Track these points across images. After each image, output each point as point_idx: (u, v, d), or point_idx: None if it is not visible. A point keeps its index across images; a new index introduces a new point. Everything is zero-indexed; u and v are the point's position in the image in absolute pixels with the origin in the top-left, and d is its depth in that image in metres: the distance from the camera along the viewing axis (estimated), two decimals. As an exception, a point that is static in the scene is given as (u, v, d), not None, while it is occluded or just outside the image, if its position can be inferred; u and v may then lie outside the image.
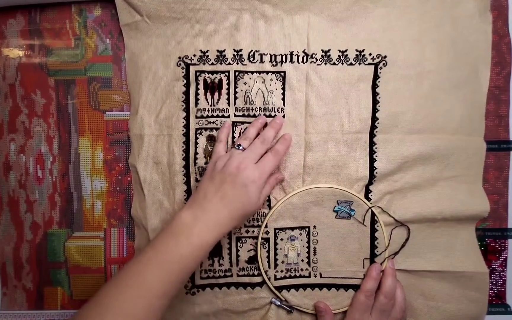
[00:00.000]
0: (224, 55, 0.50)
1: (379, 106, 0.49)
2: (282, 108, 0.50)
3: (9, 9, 0.52)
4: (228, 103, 0.50)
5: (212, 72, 0.50)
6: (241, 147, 0.47)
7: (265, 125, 0.50)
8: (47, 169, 0.53)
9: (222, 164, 0.45)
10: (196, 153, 0.50)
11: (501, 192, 0.51)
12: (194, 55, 0.50)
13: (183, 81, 0.50)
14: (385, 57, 0.49)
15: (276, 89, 0.50)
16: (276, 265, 0.51)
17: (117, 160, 0.53)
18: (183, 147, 0.50)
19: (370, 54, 0.49)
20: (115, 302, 0.38)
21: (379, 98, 0.49)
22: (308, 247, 0.51)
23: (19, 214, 0.54)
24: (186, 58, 0.50)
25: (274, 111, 0.50)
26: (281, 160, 0.49)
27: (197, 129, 0.50)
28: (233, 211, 0.44)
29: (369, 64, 0.49)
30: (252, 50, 0.49)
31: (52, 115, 0.53)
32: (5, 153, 0.53)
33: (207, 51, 0.50)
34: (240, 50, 0.50)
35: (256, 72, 0.50)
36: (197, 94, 0.50)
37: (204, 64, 0.50)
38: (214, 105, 0.50)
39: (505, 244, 0.52)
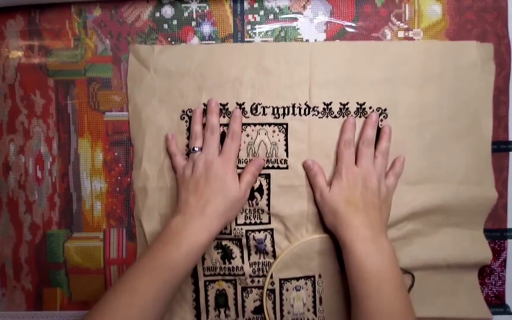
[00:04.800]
0: (227, 109, 0.50)
1: None
2: (285, 160, 0.50)
3: (8, 10, 0.52)
4: None
5: None
6: (197, 149, 0.48)
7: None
8: (46, 169, 0.53)
9: (190, 171, 0.47)
10: None
11: (500, 192, 0.51)
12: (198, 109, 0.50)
13: (186, 134, 0.50)
14: (385, 110, 0.49)
15: (279, 141, 0.50)
16: (282, 316, 0.51)
17: (116, 161, 0.53)
18: None
19: (370, 108, 0.49)
20: (111, 309, 0.40)
21: None
22: (314, 297, 0.50)
23: (18, 215, 0.53)
24: (189, 112, 0.50)
25: (277, 163, 0.50)
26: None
27: None
28: (217, 208, 0.45)
29: None
30: (254, 103, 0.49)
31: (51, 116, 0.53)
32: (5, 153, 0.53)
33: None
34: (243, 103, 0.50)
35: (259, 124, 0.50)
36: None
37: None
38: None
39: (504, 244, 0.52)
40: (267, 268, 0.51)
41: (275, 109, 0.49)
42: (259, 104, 0.50)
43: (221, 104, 0.50)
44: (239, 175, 0.48)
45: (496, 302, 0.53)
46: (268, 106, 0.49)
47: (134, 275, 0.42)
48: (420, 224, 0.50)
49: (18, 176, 0.53)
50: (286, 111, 0.49)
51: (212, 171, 0.46)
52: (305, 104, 0.49)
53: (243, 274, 0.51)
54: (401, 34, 0.51)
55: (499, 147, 0.51)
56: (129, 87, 0.51)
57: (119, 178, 0.53)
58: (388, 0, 0.51)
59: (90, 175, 0.53)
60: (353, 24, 0.51)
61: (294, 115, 0.49)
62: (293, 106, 0.49)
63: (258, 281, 0.51)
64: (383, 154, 0.48)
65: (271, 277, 0.50)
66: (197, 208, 0.45)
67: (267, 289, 0.50)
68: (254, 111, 0.50)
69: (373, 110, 0.49)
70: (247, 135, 0.50)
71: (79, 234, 0.53)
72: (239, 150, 0.49)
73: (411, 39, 0.51)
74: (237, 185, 0.46)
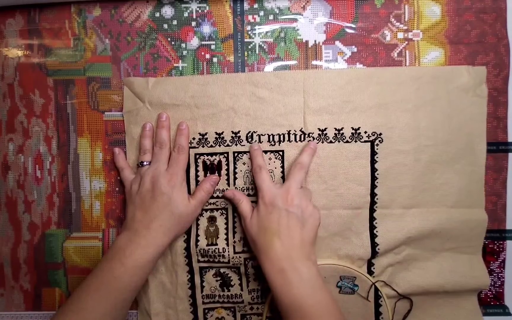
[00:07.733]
0: (223, 137, 0.50)
1: (377, 182, 0.49)
2: None
3: (8, 9, 0.52)
4: (228, 184, 0.50)
5: (211, 154, 0.50)
6: (145, 163, 0.48)
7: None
8: (45, 169, 0.53)
9: (137, 186, 0.47)
10: (197, 235, 0.50)
11: (499, 193, 0.52)
12: (194, 138, 0.50)
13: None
14: (380, 134, 0.49)
15: (275, 168, 0.50)
16: None
17: (116, 161, 0.53)
18: None
19: (365, 132, 0.49)
20: None
21: (378, 174, 0.49)
22: None
23: (17, 215, 0.53)
24: None
25: None
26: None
27: None
28: (164, 223, 0.45)
29: (365, 141, 0.49)
30: (250, 131, 0.50)
31: (51, 115, 0.52)
32: (4, 153, 0.53)
33: (206, 134, 0.50)
34: (238, 131, 0.50)
35: None
36: (197, 176, 0.50)
37: (203, 146, 0.50)
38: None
39: (503, 245, 0.52)
40: (266, 295, 0.51)
41: (271, 137, 0.50)
42: (254, 132, 0.50)
43: (216, 133, 0.50)
44: (195, 191, 0.49)
45: (495, 303, 0.53)
46: (263, 133, 0.49)
47: (82, 295, 0.42)
48: (417, 248, 0.50)
49: (17, 175, 0.53)
50: (281, 138, 0.49)
51: (158, 186, 0.45)
52: (301, 130, 0.49)
53: (242, 302, 0.51)
54: (400, 35, 0.51)
55: (497, 148, 0.51)
56: (126, 120, 0.51)
57: (118, 178, 0.52)
58: (388, 1, 0.51)
59: (90, 175, 0.53)
60: (353, 25, 0.51)
61: (289, 141, 0.49)
62: (289, 133, 0.49)
63: (257, 308, 0.51)
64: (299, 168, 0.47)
65: (270, 304, 0.50)
66: (143, 224, 0.45)
67: (266, 317, 0.50)
68: (249, 139, 0.50)
69: (368, 135, 0.49)
70: (244, 163, 0.50)
71: (78, 234, 0.53)
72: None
73: (411, 40, 0.51)
74: (185, 200, 0.46)
